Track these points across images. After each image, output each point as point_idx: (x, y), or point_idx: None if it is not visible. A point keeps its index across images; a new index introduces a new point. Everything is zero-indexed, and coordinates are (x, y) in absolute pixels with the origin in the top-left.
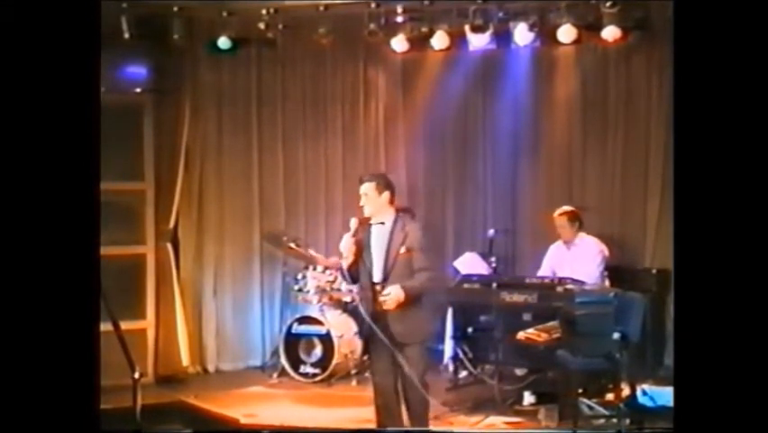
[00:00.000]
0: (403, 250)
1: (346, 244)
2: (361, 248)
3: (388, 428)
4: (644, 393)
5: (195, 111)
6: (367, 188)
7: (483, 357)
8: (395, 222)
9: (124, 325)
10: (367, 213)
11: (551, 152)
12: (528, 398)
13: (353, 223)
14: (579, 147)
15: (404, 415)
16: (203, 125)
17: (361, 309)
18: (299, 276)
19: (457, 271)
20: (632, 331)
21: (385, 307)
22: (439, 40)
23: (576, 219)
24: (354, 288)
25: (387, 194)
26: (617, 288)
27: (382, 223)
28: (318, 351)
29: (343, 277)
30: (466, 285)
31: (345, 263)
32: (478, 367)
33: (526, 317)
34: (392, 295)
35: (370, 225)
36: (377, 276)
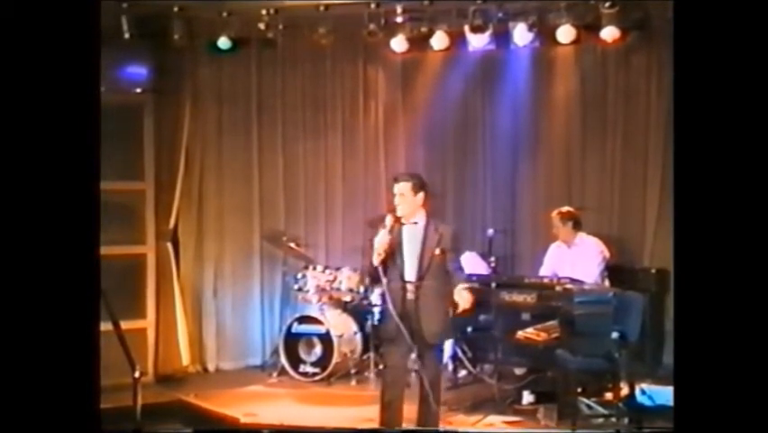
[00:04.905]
0: (437, 251)
1: (382, 241)
2: (394, 246)
3: (388, 429)
4: (643, 392)
5: (195, 111)
6: (403, 188)
7: (482, 357)
8: (427, 222)
9: (124, 324)
10: (401, 212)
11: (550, 152)
12: (527, 397)
13: (389, 220)
14: (578, 147)
15: (404, 413)
16: (203, 125)
17: (390, 308)
18: (299, 275)
19: None
20: (631, 331)
21: (461, 309)
22: (439, 40)
23: (570, 219)
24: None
25: (422, 194)
26: (616, 287)
27: (415, 223)
28: (318, 350)
29: (368, 274)
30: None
31: (377, 260)
32: (477, 366)
33: (525, 316)
34: (465, 295)
35: (403, 224)
36: (409, 275)
